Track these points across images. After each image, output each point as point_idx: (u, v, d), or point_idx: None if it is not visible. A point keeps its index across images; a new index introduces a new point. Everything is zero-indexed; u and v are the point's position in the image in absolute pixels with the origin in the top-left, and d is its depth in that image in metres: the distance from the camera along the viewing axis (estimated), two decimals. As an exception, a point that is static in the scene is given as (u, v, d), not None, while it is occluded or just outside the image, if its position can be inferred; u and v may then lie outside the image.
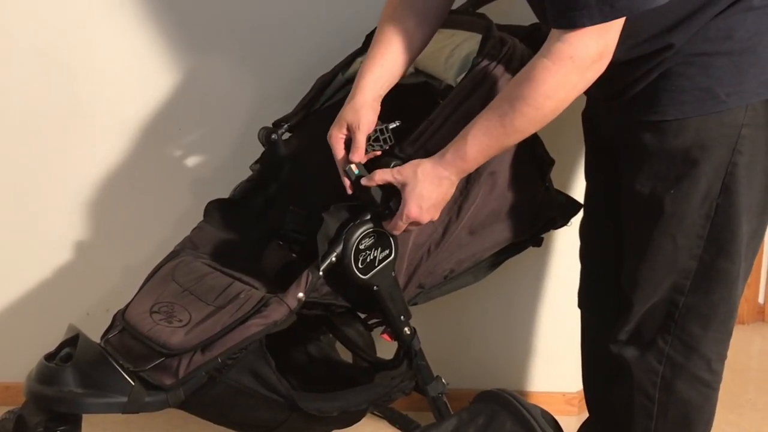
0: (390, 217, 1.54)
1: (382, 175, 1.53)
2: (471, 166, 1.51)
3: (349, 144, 1.59)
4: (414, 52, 1.65)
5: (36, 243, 2.23)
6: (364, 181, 1.54)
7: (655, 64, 1.46)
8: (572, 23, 1.34)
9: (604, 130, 1.67)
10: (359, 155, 1.56)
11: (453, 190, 1.54)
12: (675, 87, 1.46)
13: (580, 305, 1.88)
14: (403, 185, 1.51)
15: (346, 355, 1.96)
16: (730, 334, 1.64)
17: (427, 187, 1.51)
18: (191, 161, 2.15)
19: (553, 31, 1.38)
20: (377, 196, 1.52)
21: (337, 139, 1.59)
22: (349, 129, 1.57)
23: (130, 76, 2.11)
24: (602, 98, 1.54)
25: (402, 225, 1.53)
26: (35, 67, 2.10)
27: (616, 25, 1.35)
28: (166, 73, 2.10)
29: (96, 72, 2.11)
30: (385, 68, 1.61)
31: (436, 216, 1.56)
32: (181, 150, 2.15)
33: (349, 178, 1.54)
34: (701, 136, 1.46)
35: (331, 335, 1.93)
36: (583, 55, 1.36)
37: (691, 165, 1.48)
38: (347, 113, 1.58)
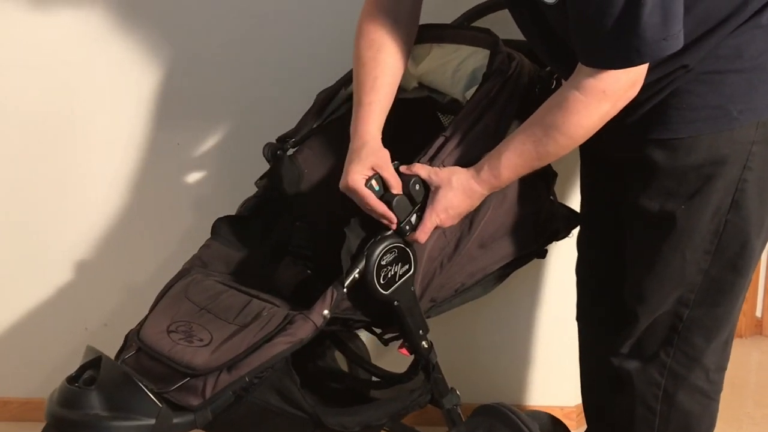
0: (411, 231, 1.55)
1: (420, 169, 1.56)
2: (503, 184, 1.56)
3: None
4: (399, 76, 1.69)
5: (35, 260, 2.20)
6: (403, 169, 1.56)
7: (666, 84, 1.49)
8: (601, 65, 1.39)
9: (606, 146, 1.69)
10: (399, 187, 1.56)
11: (479, 203, 1.58)
12: (686, 105, 1.49)
13: (578, 318, 1.91)
14: (437, 188, 1.54)
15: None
16: (726, 344, 1.68)
17: (459, 196, 1.55)
18: (193, 178, 2.14)
19: (582, 66, 1.42)
20: (399, 211, 1.53)
21: (363, 183, 1.54)
22: (375, 169, 1.56)
23: (128, 93, 2.10)
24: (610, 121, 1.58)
25: (430, 227, 1.55)
26: (33, 85, 2.08)
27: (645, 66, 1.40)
28: (166, 89, 2.09)
29: (94, 89, 2.09)
30: (382, 109, 1.64)
31: (455, 222, 1.59)
32: (184, 167, 2.14)
33: (375, 193, 1.54)
34: (713, 153, 1.49)
35: (335, 349, 1.95)
36: (616, 88, 1.41)
37: (703, 181, 1.51)
38: (370, 157, 1.56)
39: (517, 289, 2.19)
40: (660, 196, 1.55)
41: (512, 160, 1.52)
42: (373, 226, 1.56)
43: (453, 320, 2.05)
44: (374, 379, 1.88)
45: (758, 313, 2.96)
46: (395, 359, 1.76)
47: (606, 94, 1.42)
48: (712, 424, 1.75)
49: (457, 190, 1.54)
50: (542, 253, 1.86)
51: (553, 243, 1.89)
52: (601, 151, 1.72)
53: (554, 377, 2.29)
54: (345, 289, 1.52)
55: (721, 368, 1.70)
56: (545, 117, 1.49)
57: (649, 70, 1.45)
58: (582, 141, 1.50)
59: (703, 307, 1.60)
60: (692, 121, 1.49)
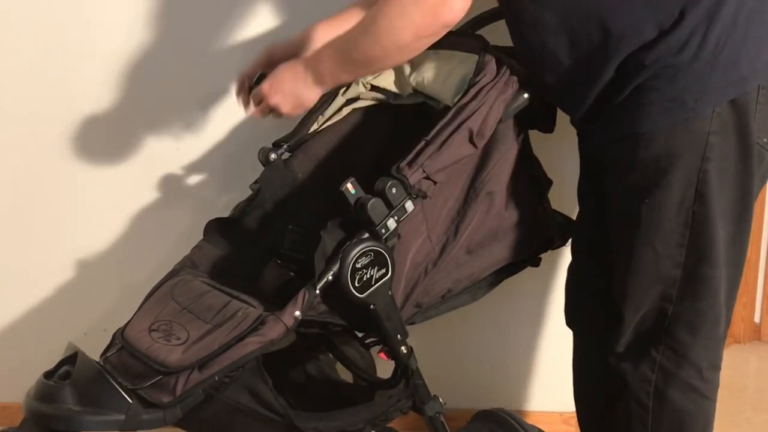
0: (390, 237, 1.55)
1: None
2: (323, 69, 1.61)
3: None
4: None
5: (34, 263, 2.24)
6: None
7: (627, 81, 1.51)
8: None
9: (590, 149, 1.70)
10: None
11: (309, 93, 1.64)
12: (646, 100, 1.51)
13: (570, 323, 1.89)
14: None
15: (346, 375, 1.97)
16: (719, 341, 1.66)
17: (285, 74, 1.65)
18: (191, 181, 2.16)
19: None
20: (374, 214, 1.53)
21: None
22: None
23: (128, 97, 2.12)
24: (583, 120, 1.58)
25: (260, 93, 1.66)
26: (33, 89, 2.12)
27: None
28: (165, 93, 2.12)
29: (94, 92, 2.12)
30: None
31: (285, 107, 1.66)
32: (181, 170, 2.17)
33: (350, 197, 1.54)
34: (670, 145, 1.51)
35: (330, 355, 1.95)
36: None
37: (661, 174, 1.52)
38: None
39: (517, 293, 2.18)
40: (627, 193, 1.57)
41: (334, 48, 1.59)
42: (350, 230, 1.56)
43: (451, 324, 2.04)
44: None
45: (756, 319, 2.94)
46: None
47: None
48: (708, 424, 1.71)
49: (284, 70, 1.65)
50: (535, 262, 1.83)
51: (555, 250, 1.87)
52: (588, 157, 1.74)
53: (555, 383, 2.25)
54: (318, 291, 1.52)
55: (715, 366, 1.68)
56: (368, 15, 1.55)
57: (608, 66, 1.50)
58: (392, 51, 1.54)
59: (686, 302, 1.60)
60: (650, 114, 1.51)
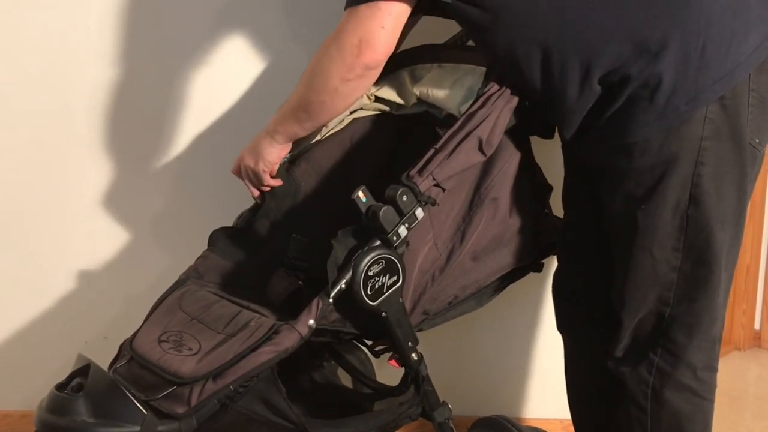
0: (399, 245, 1.56)
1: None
2: (276, 124, 1.73)
3: None
4: None
5: (35, 272, 2.22)
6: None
7: (618, 95, 1.53)
8: (345, 6, 1.55)
9: (584, 158, 1.71)
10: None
11: (263, 144, 1.76)
12: (638, 109, 1.52)
13: (561, 328, 1.92)
14: None
15: (346, 380, 1.97)
16: (714, 342, 1.69)
17: (255, 139, 1.79)
18: (194, 189, 2.17)
19: None
20: (386, 222, 1.54)
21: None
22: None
23: (128, 105, 2.12)
24: (576, 134, 1.60)
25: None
26: (32, 95, 2.11)
27: (378, 19, 1.52)
28: (166, 99, 2.12)
29: (93, 100, 2.12)
30: None
31: (250, 161, 1.78)
32: (184, 178, 2.17)
33: (362, 204, 1.55)
34: (664, 152, 1.53)
35: (333, 362, 1.95)
36: (344, 38, 1.54)
37: (656, 181, 1.55)
38: None
39: (516, 300, 2.19)
40: (623, 200, 1.60)
41: (286, 103, 1.69)
42: (361, 238, 1.56)
43: (451, 331, 2.05)
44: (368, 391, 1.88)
45: (756, 326, 2.96)
46: (399, 371, 1.75)
47: (336, 39, 1.55)
48: (707, 425, 1.73)
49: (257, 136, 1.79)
50: (538, 267, 1.85)
51: (554, 257, 1.89)
52: (577, 162, 1.76)
53: (554, 390, 2.25)
54: (331, 300, 1.52)
55: (711, 368, 1.70)
56: (310, 62, 1.62)
57: (591, 88, 1.52)
58: (323, 95, 1.60)
59: (683, 304, 1.63)
60: (645, 123, 1.53)
